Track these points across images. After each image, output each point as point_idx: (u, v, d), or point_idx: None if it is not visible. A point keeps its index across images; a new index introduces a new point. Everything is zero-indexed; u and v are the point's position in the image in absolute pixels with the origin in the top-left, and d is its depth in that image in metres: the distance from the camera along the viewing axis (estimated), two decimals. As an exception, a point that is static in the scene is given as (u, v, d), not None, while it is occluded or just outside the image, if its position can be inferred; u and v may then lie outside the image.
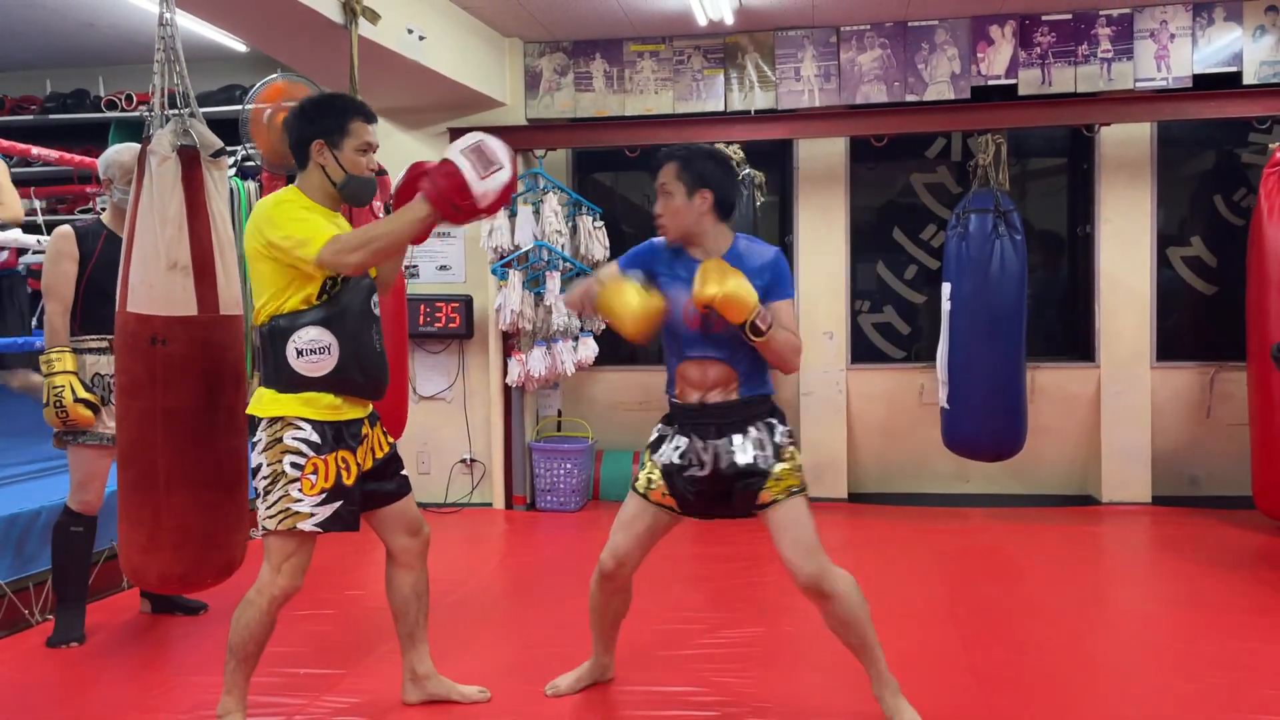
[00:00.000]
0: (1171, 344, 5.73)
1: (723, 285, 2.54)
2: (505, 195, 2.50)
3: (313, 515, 2.55)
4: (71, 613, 3.55)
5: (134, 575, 2.87)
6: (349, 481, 2.61)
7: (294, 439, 2.55)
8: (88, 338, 3.53)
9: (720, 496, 2.76)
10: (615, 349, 6.19)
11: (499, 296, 5.52)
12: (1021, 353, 4.89)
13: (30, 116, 6.39)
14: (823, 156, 5.82)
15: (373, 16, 4.07)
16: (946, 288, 4.97)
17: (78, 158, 4.96)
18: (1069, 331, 6.06)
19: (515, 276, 5.47)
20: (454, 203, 2.46)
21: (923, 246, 6.11)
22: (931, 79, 5.43)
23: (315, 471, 2.55)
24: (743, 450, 2.69)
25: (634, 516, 2.84)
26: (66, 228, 3.57)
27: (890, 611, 3.79)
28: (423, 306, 5.70)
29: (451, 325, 5.75)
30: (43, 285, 3.55)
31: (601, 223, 5.80)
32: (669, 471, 2.79)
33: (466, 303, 5.75)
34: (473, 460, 5.89)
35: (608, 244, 5.78)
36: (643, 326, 2.70)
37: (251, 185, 5.67)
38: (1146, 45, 5.28)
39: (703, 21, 5.27)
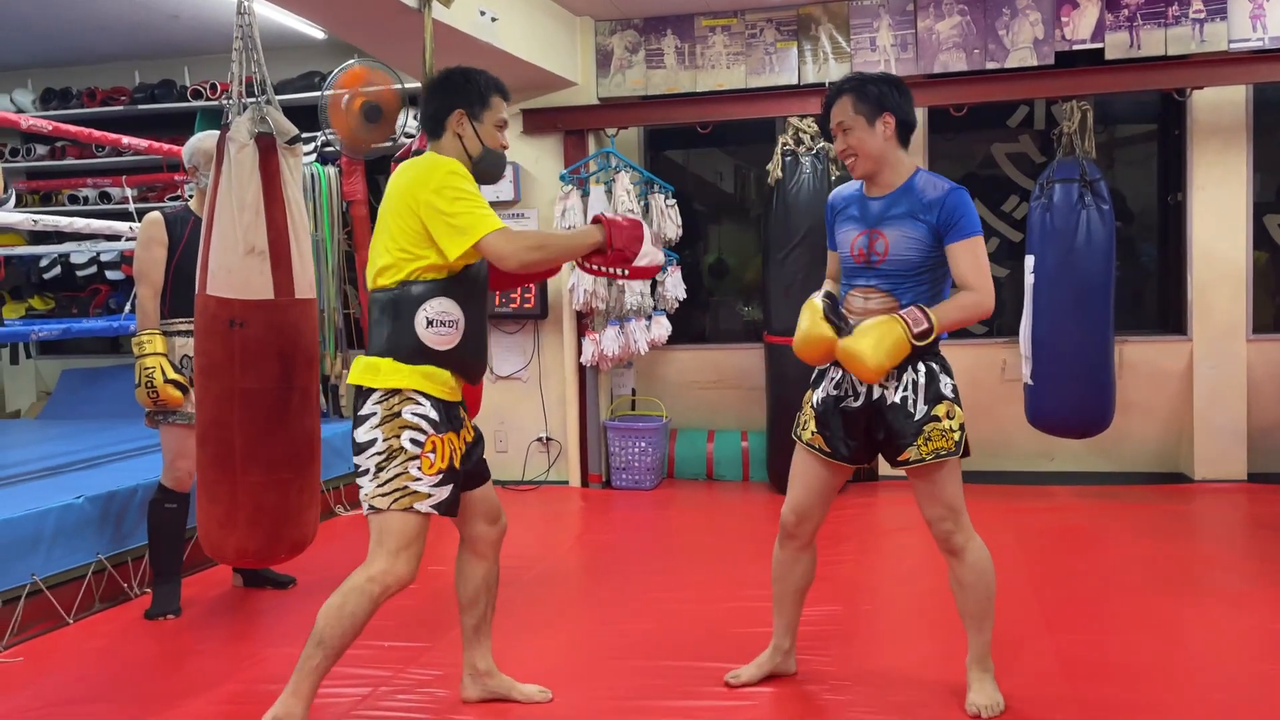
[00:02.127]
0: (1269, 316, 5.51)
1: (857, 352, 2.49)
2: (648, 272, 2.60)
3: (430, 496, 2.45)
4: (168, 586, 3.68)
5: (212, 550, 2.93)
6: (459, 465, 2.52)
7: (414, 414, 2.44)
8: (177, 320, 3.64)
9: (870, 434, 2.68)
10: (688, 328, 6.18)
11: (572, 276, 5.55)
12: (1109, 326, 4.74)
13: (120, 107, 6.59)
14: (899, 128, 5.69)
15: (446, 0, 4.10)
16: (1030, 260, 4.83)
17: (166, 146, 5.10)
18: (1159, 304, 5.86)
19: (589, 256, 5.48)
20: (623, 245, 2.52)
21: (1004, 218, 5.96)
22: (1013, 45, 5.27)
23: (434, 450, 2.45)
24: (897, 388, 2.61)
25: (801, 466, 2.78)
26: (156, 214, 3.68)
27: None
28: (498, 287, 5.75)
29: (526, 306, 5.80)
30: (134, 270, 3.67)
31: (674, 201, 5.78)
32: (823, 408, 2.72)
33: (541, 283, 5.79)
34: (549, 439, 5.95)
35: (680, 222, 5.75)
36: (807, 349, 2.68)
37: (331, 170, 5.79)
38: (1241, 4, 5.04)
39: (775, -7, 5.19)
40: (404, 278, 2.46)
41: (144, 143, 4.95)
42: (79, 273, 6.69)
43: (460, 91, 2.56)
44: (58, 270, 6.74)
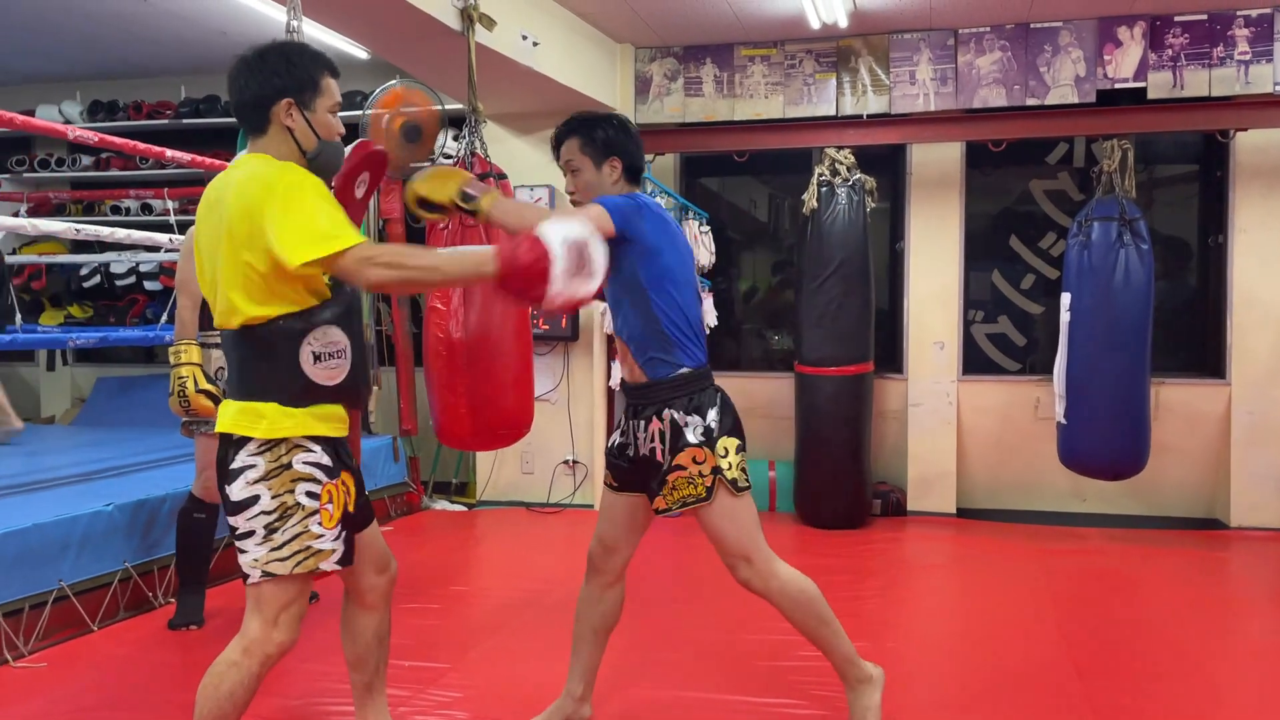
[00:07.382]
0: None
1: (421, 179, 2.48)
2: (576, 305, 2.16)
3: (334, 552, 2.14)
4: (192, 596, 3.70)
5: None
6: (352, 509, 2.20)
7: (305, 463, 2.11)
8: (214, 333, 3.66)
9: (644, 477, 2.65)
10: (719, 355, 6.16)
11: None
12: (1146, 367, 4.68)
13: (165, 121, 6.70)
14: (937, 162, 5.68)
15: (489, 23, 4.13)
16: (1066, 298, 4.79)
17: (208, 160, 5.15)
18: (1198, 346, 5.78)
19: (621, 280, 5.48)
20: (525, 288, 2.06)
21: (1041, 255, 5.91)
22: (1054, 82, 5.24)
23: (331, 499, 2.13)
24: (645, 440, 2.56)
25: (605, 500, 2.77)
26: (198, 226, 3.72)
27: (999, 631, 3.68)
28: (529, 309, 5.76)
29: (557, 328, 5.81)
30: (176, 280, 3.71)
31: (708, 228, 5.78)
32: (610, 450, 2.72)
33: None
34: (575, 461, 5.94)
35: (714, 249, 5.75)
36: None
37: (369, 188, 5.83)
38: (1289, 46, 5.00)
39: (816, 24, 5.20)
40: (279, 312, 2.09)
41: (187, 156, 5.00)
42: (118, 282, 6.78)
43: (284, 76, 2.15)
44: (97, 279, 6.84)
